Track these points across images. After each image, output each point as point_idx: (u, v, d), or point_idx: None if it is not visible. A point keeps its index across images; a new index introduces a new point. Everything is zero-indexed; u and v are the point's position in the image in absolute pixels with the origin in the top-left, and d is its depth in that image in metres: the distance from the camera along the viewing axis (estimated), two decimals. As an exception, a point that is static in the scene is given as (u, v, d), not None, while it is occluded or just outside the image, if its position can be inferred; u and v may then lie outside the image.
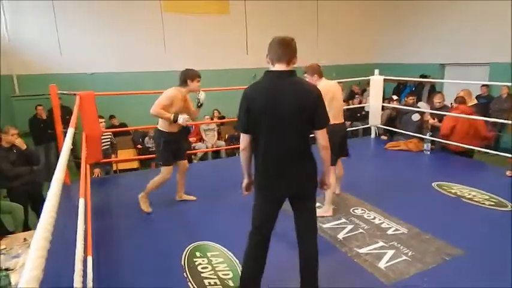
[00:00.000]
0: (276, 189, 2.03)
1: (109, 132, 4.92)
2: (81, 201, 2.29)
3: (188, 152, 6.98)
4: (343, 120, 3.48)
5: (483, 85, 7.65)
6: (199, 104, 3.54)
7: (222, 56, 8.58)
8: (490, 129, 5.11)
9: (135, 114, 7.48)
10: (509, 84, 5.25)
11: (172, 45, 8.19)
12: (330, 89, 3.22)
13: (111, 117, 7.59)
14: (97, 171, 4.58)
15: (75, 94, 3.82)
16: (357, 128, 7.53)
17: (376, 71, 6.01)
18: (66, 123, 5.23)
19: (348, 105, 8.78)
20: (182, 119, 3.27)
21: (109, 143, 4.82)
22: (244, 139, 2.03)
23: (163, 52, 8.11)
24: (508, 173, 4.31)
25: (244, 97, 1.98)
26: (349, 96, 9.72)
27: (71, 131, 2.44)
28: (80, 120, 3.66)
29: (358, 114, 8.58)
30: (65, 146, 1.90)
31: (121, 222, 3.38)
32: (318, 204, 2.56)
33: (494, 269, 2.51)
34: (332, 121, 3.22)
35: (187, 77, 3.34)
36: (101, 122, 4.60)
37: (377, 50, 10.39)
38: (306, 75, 3.29)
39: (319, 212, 3.26)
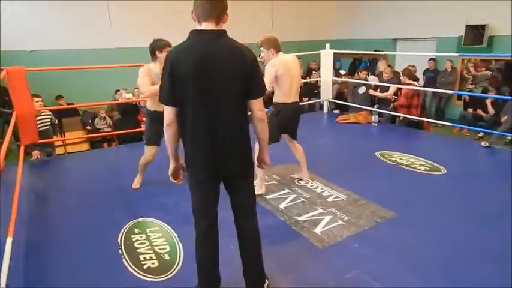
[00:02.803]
0: (209, 169, 1.78)
1: (47, 110, 4.61)
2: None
3: (142, 129, 6.84)
4: (298, 100, 3.25)
5: (430, 59, 7.92)
6: None
7: (173, 31, 8.24)
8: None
9: (84, 94, 7.15)
10: (456, 54, 5.46)
11: (118, 20, 7.77)
12: (285, 64, 3.03)
13: (59, 97, 7.18)
14: (36, 153, 4.31)
15: (1, 69, 3.52)
16: (309, 102, 7.60)
17: (327, 45, 6.04)
18: (5, 105, 4.92)
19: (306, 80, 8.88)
20: None
21: (49, 123, 4.54)
22: (168, 112, 1.72)
23: (108, 28, 7.68)
24: (483, 143, 4.47)
25: (166, 61, 1.68)
26: (307, 73, 9.79)
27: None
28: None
29: (316, 91, 8.67)
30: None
31: (57, 204, 3.24)
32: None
33: (421, 229, 2.65)
34: (284, 99, 3.11)
35: (156, 48, 3.11)
36: (37, 101, 4.30)
37: (333, 26, 10.44)
38: (261, 48, 3.09)
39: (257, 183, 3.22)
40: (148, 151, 3.29)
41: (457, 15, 7.49)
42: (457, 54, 5.53)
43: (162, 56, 3.07)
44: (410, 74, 5.61)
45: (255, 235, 1.95)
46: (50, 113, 4.66)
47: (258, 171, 3.13)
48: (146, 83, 3.06)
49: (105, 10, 7.61)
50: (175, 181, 1.98)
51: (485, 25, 6.94)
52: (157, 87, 2.95)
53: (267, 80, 2.98)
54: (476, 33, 7.09)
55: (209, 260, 1.90)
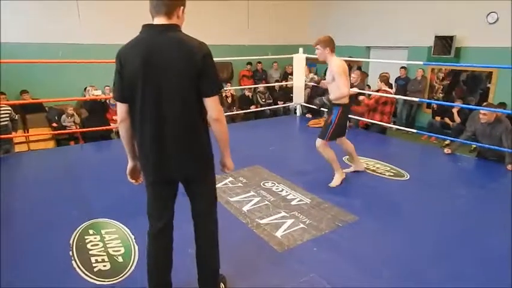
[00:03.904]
0: (158, 171, 1.70)
1: (6, 105, 4.40)
2: None
3: (112, 127, 6.65)
4: None
5: (401, 67, 8.12)
6: None
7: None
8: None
9: (51, 90, 6.88)
10: (419, 63, 5.62)
11: (87, 15, 7.54)
12: (345, 67, 3.20)
13: (23, 92, 6.88)
14: (-8, 149, 4.11)
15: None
16: (282, 105, 7.64)
17: (301, 50, 6.08)
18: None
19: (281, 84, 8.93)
20: None
21: (7, 118, 4.33)
22: (120, 110, 1.67)
23: (78, 23, 7.44)
24: (446, 150, 4.57)
25: (116, 57, 1.63)
26: (283, 77, 9.84)
27: None
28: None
29: (291, 94, 8.72)
30: None
31: (9, 203, 3.07)
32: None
33: (380, 233, 2.68)
34: (345, 100, 3.33)
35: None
36: (-4, 95, 4.10)
37: (308, 31, 10.55)
38: (317, 47, 3.22)
39: (335, 182, 3.46)
40: None
41: (428, 26, 7.72)
42: (421, 62, 5.67)
43: None
44: (387, 80, 5.71)
45: (209, 240, 1.87)
46: (9, 108, 4.44)
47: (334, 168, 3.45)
48: None
49: (74, 4, 7.37)
50: (133, 181, 1.91)
51: (453, 36, 7.18)
52: None
53: (344, 81, 3.16)
54: (444, 44, 7.32)
55: (159, 264, 1.83)
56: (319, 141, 3.46)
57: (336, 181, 3.48)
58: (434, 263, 2.30)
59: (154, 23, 1.64)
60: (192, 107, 1.63)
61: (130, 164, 1.85)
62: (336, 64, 3.20)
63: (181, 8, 1.65)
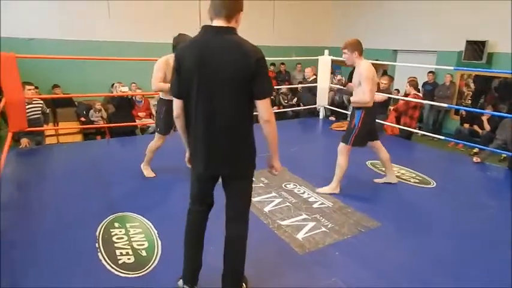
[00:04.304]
0: (205, 165, 1.77)
1: (38, 99, 4.57)
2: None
3: (137, 124, 6.82)
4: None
5: (429, 72, 7.92)
6: None
7: (173, 28, 8.21)
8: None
9: (80, 86, 7.12)
10: (450, 68, 5.48)
11: (117, 13, 7.73)
12: (373, 71, 3.12)
13: (55, 86, 7.14)
14: (25, 141, 4.26)
15: (-10, 54, 3.49)
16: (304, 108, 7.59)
17: (326, 51, 6.03)
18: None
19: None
20: None
21: (40, 111, 4.50)
22: (176, 105, 1.77)
23: (107, 21, 7.64)
24: (474, 159, 4.43)
25: (175, 56, 1.75)
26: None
27: None
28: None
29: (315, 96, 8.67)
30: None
31: (40, 193, 3.19)
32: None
33: (404, 241, 2.63)
34: (371, 103, 3.21)
35: (178, 43, 3.08)
36: (30, 89, 4.26)
37: (334, 33, 10.46)
38: (345, 51, 3.14)
39: (324, 190, 3.33)
40: (159, 138, 3.42)
41: (458, 30, 7.50)
42: (451, 67, 5.51)
43: None
44: (416, 85, 5.58)
45: (238, 240, 1.90)
46: (41, 101, 4.62)
47: (336, 172, 3.35)
48: (158, 78, 3.16)
49: (105, 3, 7.57)
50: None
51: (485, 41, 6.95)
52: (166, 85, 3.04)
53: (370, 86, 3.09)
54: (476, 49, 7.09)
55: (193, 241, 1.94)
56: (341, 145, 3.37)
57: (325, 189, 3.35)
58: (458, 276, 2.23)
59: (213, 24, 1.69)
60: (242, 108, 1.70)
61: (187, 153, 1.94)
62: (364, 67, 3.09)
63: (240, 13, 1.72)
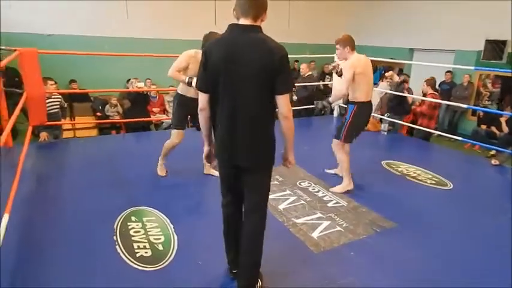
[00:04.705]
0: (226, 155, 1.87)
1: (57, 94, 4.66)
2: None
3: (152, 119, 6.90)
4: (371, 99, 3.31)
5: (447, 71, 7.79)
6: (187, 82, 3.14)
7: (188, 25, 8.26)
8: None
9: (96, 81, 7.21)
10: (471, 68, 5.37)
11: (134, 10, 7.80)
12: (359, 64, 3.11)
13: (72, 81, 7.26)
14: (44, 135, 4.36)
15: (15, 50, 3.56)
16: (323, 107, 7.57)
17: (342, 49, 5.96)
18: (13, 85, 4.99)
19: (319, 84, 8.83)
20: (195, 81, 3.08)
21: (58, 106, 4.59)
22: (201, 98, 1.85)
23: (125, 17, 7.72)
24: (493, 161, 4.37)
25: (203, 51, 1.82)
26: (321, 76, 9.72)
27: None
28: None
29: (329, 94, 8.61)
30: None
31: (58, 186, 3.26)
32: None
33: (420, 242, 2.60)
34: (362, 98, 3.20)
35: (208, 40, 3.07)
36: (52, 84, 4.35)
37: (349, 31, 10.33)
38: (337, 46, 3.18)
39: (338, 188, 3.32)
40: (176, 135, 3.35)
41: (477, 29, 7.34)
42: (471, 67, 5.40)
43: None
44: (434, 84, 5.45)
45: (253, 234, 1.93)
46: (60, 96, 4.70)
47: (343, 169, 3.33)
48: (177, 68, 3.11)
49: (123, 1, 7.66)
50: (208, 164, 2.11)
51: (505, 41, 6.78)
52: (183, 78, 3.08)
53: (345, 79, 3.12)
54: (495, 48, 6.94)
55: (231, 231, 2.02)
56: (334, 142, 3.36)
57: (339, 188, 3.31)
58: (474, 280, 2.19)
59: (240, 23, 1.76)
60: (264, 103, 1.78)
61: (206, 149, 2.01)
62: (350, 59, 3.12)
63: (266, 12, 1.78)
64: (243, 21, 1.75)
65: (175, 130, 3.36)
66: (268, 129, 1.84)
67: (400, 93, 5.44)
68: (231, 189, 1.97)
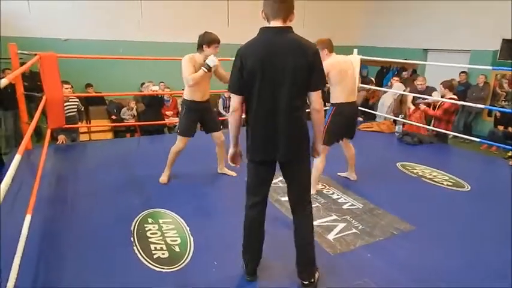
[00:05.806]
0: (265, 151, 1.92)
1: (74, 97, 4.76)
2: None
3: (165, 122, 6.97)
4: (355, 100, 3.27)
5: (462, 72, 7.67)
6: (207, 68, 3.13)
7: (202, 29, 8.33)
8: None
9: (110, 85, 7.34)
10: (488, 68, 5.26)
11: (149, 14, 7.92)
12: (337, 65, 3.09)
13: (88, 85, 7.40)
14: (62, 137, 4.45)
15: (35, 54, 3.66)
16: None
17: (355, 51, 5.94)
18: (36, 89, 5.12)
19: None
20: (210, 60, 3.09)
21: (75, 109, 4.68)
22: (235, 100, 1.89)
23: (139, 22, 7.84)
24: (511, 162, 4.30)
25: (237, 54, 1.86)
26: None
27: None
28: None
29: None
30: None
31: (76, 187, 3.32)
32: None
33: (438, 245, 2.56)
34: (341, 99, 3.15)
35: (204, 42, 3.13)
36: (67, 88, 4.45)
37: (362, 32, 10.30)
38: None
39: None
40: (180, 140, 3.33)
41: (493, 28, 7.22)
42: (490, 67, 5.29)
43: (208, 50, 3.12)
44: (452, 87, 5.24)
45: (303, 223, 2.02)
46: (77, 99, 4.80)
47: (312, 173, 3.18)
48: (189, 72, 3.08)
49: (138, 4, 7.78)
50: (233, 164, 2.15)
51: (523, 40, 6.66)
52: (200, 72, 3.07)
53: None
54: (513, 48, 6.81)
55: (252, 235, 2.05)
56: None
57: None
58: (495, 285, 2.15)
59: (271, 25, 1.84)
60: (300, 99, 1.87)
61: (232, 150, 2.07)
62: (326, 61, 3.01)
63: (293, 13, 1.86)
64: (274, 23, 1.82)
65: (182, 137, 3.32)
66: (304, 123, 1.93)
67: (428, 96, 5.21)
68: (259, 187, 2.01)
